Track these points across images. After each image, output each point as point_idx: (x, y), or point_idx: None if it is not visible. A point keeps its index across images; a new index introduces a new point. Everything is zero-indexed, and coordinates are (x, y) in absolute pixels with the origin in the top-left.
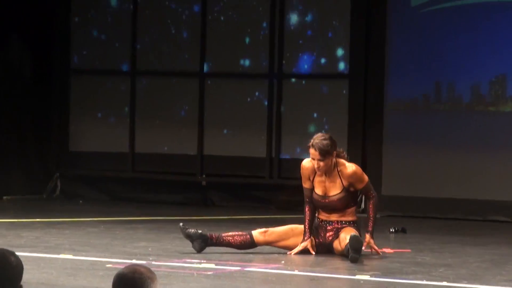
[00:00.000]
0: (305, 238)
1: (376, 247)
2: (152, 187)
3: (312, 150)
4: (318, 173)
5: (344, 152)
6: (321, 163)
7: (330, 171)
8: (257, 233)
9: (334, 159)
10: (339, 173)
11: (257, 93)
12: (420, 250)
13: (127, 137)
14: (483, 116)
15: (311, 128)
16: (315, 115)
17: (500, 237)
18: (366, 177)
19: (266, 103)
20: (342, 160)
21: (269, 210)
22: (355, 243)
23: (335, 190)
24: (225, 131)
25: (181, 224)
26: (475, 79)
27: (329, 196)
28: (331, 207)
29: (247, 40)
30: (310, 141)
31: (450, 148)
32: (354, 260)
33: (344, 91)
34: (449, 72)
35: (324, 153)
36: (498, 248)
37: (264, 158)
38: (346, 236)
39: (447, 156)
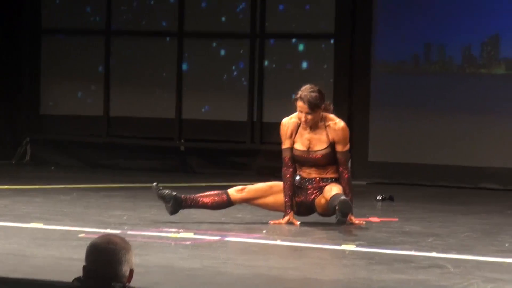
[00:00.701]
0: (287, 211)
1: (357, 222)
2: (128, 152)
3: (300, 103)
4: (302, 126)
5: (331, 105)
6: (309, 117)
7: (316, 126)
8: (234, 191)
9: (321, 113)
10: (326, 128)
11: (238, 54)
12: (408, 219)
13: (101, 100)
14: (475, 78)
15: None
16: (298, 76)
17: (492, 205)
18: (349, 145)
19: (247, 64)
20: (331, 115)
21: (251, 176)
22: (345, 207)
23: (320, 145)
24: (205, 94)
25: (155, 183)
26: (467, 40)
27: (314, 151)
28: (312, 163)
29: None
30: (297, 93)
31: (440, 112)
32: (341, 222)
33: (329, 52)
34: (439, 32)
35: (313, 106)
36: (489, 217)
37: (246, 122)
38: (331, 187)
39: (437, 120)
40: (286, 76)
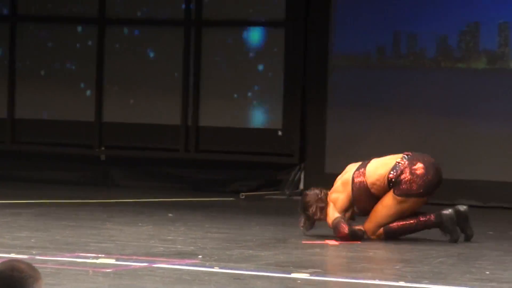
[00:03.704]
0: None
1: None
2: (37, 162)
3: None
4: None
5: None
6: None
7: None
8: None
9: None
10: None
11: (170, 45)
12: (372, 241)
13: (4, 99)
14: (452, 74)
15: (237, 89)
16: (242, 72)
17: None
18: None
19: (181, 56)
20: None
21: (185, 191)
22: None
23: None
24: (129, 91)
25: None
26: (442, 29)
27: None
28: None
29: None
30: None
31: (410, 113)
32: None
33: (279, 43)
34: (409, 19)
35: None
36: (468, 242)
37: (179, 126)
38: None
39: (407, 124)
40: (227, 71)
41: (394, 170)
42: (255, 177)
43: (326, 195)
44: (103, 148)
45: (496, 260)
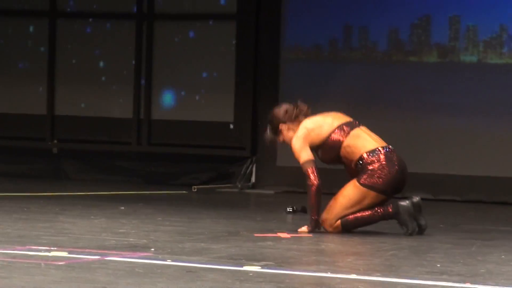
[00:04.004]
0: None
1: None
2: None
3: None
4: None
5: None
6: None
7: None
8: None
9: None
10: None
11: (122, 38)
12: (324, 235)
13: None
14: (403, 67)
15: (189, 82)
16: (194, 65)
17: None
18: (296, 147)
19: (133, 50)
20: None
21: (137, 184)
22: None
23: None
24: (82, 85)
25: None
26: (394, 22)
27: None
28: None
29: None
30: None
31: (362, 107)
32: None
33: (230, 36)
34: (361, 12)
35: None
36: (420, 235)
37: (131, 120)
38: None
39: (358, 117)
40: (179, 64)
41: (371, 154)
42: (207, 170)
43: (303, 115)
44: (55, 141)
45: (447, 253)
